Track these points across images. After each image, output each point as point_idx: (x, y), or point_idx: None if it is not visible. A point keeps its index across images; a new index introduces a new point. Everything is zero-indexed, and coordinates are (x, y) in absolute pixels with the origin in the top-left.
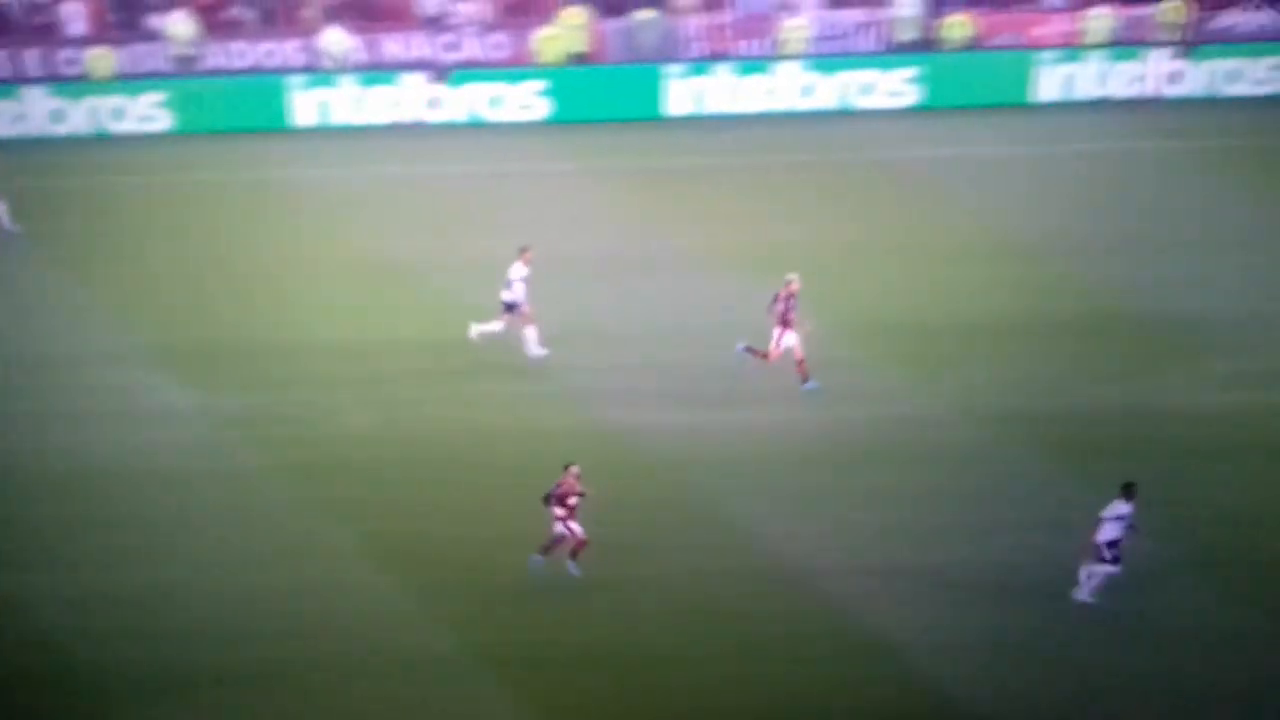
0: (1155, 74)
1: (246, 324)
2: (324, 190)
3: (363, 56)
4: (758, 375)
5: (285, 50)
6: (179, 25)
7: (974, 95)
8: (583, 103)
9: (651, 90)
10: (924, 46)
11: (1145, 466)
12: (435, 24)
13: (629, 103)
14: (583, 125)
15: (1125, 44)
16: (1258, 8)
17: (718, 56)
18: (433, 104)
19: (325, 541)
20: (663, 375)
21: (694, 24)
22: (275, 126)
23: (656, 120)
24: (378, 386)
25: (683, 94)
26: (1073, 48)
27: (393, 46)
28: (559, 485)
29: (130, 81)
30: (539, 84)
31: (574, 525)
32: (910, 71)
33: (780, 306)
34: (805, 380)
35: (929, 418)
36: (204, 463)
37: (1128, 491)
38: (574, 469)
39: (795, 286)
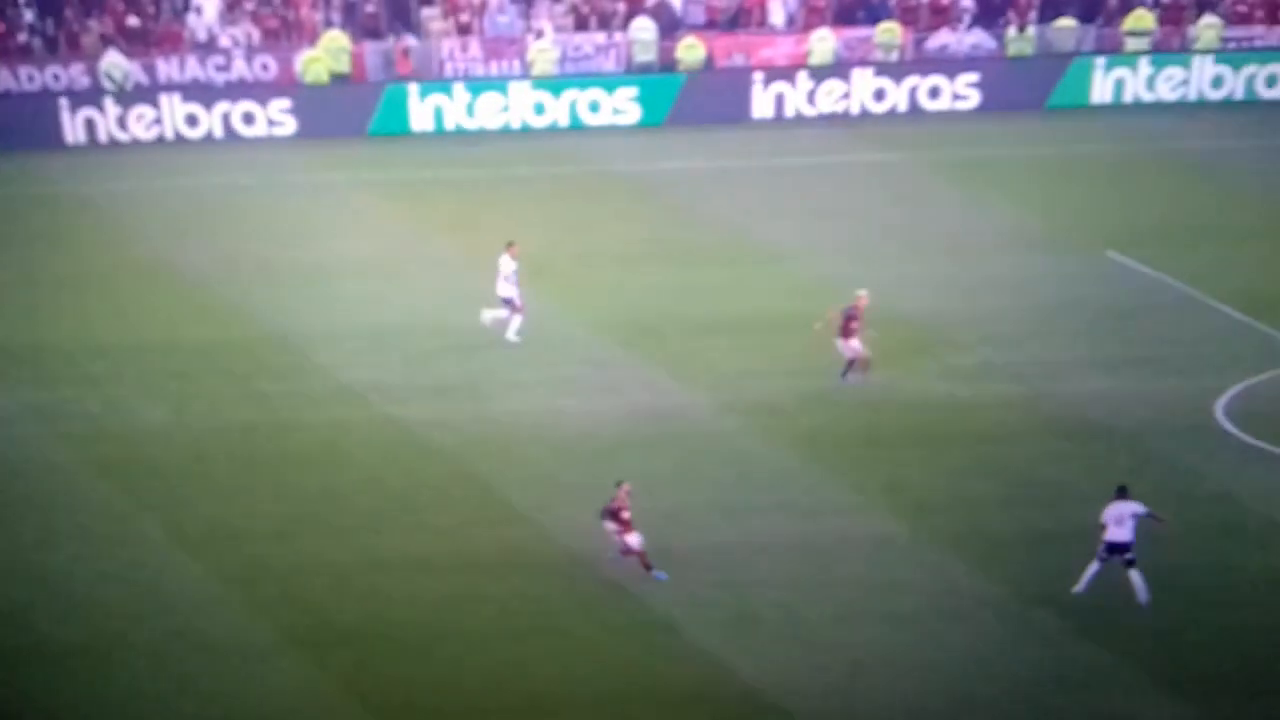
0: (860, 92)
1: (42, 327)
2: (98, 202)
3: (141, 78)
4: (519, 369)
5: (70, 74)
6: None
7: (697, 114)
8: (331, 119)
9: (400, 106)
10: (661, 68)
11: (884, 453)
12: (206, 48)
13: (378, 119)
14: (334, 140)
15: (845, 65)
16: (969, 29)
17: (469, 77)
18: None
19: (127, 529)
20: (429, 371)
21: (447, 46)
22: (48, 145)
23: (405, 135)
24: (168, 384)
25: (425, 111)
26: (795, 68)
27: (167, 69)
28: (612, 500)
29: None
30: (287, 102)
31: (630, 538)
32: (633, 91)
33: (844, 319)
34: (846, 376)
35: (680, 409)
36: (10, 455)
37: (1123, 492)
38: (625, 486)
39: (864, 302)
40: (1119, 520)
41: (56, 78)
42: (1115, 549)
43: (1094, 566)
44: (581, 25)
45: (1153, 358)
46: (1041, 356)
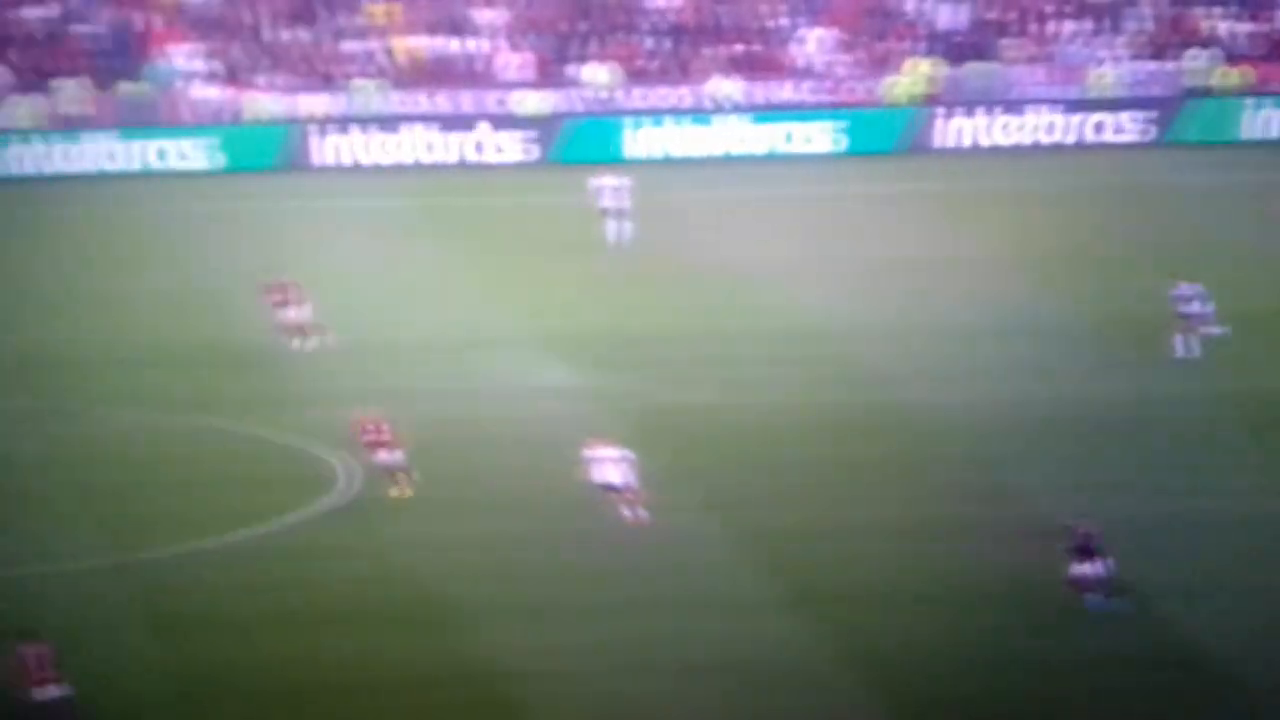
0: None
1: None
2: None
3: (745, 100)
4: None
5: (678, 94)
6: (598, 73)
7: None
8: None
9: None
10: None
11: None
12: (808, 74)
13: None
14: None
15: None
16: None
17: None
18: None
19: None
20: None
21: (1016, 72)
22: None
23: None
24: (709, 369)
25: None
26: None
27: (764, 92)
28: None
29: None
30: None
31: (1082, 567)
32: None
33: None
34: None
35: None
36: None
37: None
38: (1082, 523)
39: None
40: None
41: (681, 99)
42: None
43: None
44: (1139, 54)
45: None
46: None
